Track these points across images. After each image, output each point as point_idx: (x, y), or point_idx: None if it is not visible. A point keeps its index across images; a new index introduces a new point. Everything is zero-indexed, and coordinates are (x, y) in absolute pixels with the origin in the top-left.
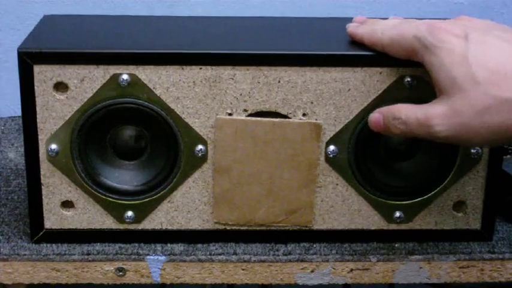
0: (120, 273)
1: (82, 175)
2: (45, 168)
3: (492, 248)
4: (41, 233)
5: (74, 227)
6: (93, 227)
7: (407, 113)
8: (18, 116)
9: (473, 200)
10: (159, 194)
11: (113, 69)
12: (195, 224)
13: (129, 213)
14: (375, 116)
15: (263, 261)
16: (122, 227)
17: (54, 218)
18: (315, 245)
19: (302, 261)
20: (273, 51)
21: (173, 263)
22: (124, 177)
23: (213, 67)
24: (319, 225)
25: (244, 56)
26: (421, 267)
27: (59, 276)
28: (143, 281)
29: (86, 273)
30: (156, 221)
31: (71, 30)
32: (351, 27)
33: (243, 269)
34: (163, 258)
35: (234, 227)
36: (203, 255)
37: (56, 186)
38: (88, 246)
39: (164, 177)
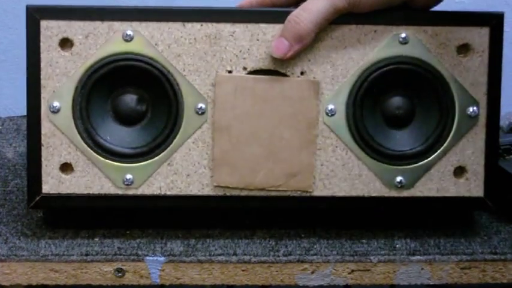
0: (119, 274)
1: (82, 135)
2: (46, 127)
3: (494, 248)
4: (38, 198)
5: (71, 192)
6: (91, 192)
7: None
8: (17, 116)
9: (474, 165)
10: (158, 156)
11: (117, 25)
12: (195, 189)
13: (128, 176)
14: (275, 42)
15: (263, 262)
16: (120, 191)
17: (52, 182)
18: (315, 246)
19: (302, 261)
20: (272, 8)
21: (172, 263)
22: (124, 139)
23: (213, 24)
24: (319, 191)
25: (243, 12)
26: (422, 268)
27: (57, 277)
28: (142, 282)
29: (84, 274)
30: (155, 185)
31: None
32: (238, 4)
33: (243, 270)
34: (162, 259)
35: (233, 192)
36: (203, 256)
37: (55, 147)
38: (87, 246)
39: (164, 138)
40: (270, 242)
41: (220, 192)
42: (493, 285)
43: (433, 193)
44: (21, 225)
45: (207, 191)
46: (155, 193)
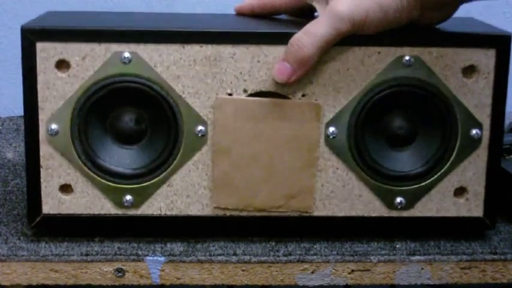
0: (119, 274)
1: (81, 157)
2: (45, 149)
3: (494, 249)
4: (39, 218)
5: (72, 212)
6: (91, 212)
7: (306, 29)
8: (17, 116)
9: (475, 186)
10: (158, 178)
11: (114, 47)
12: (195, 210)
13: (128, 197)
14: (278, 66)
15: (263, 262)
16: (120, 212)
17: (52, 203)
18: (315, 246)
19: (303, 261)
20: (273, 30)
21: (173, 263)
22: (123, 160)
23: (213, 45)
24: (319, 211)
25: (244, 34)
26: (422, 268)
27: (57, 277)
28: (142, 282)
29: (84, 274)
30: (155, 205)
31: (74, 17)
32: (238, 5)
33: (243, 270)
34: (162, 259)
35: (233, 213)
36: (203, 256)
37: (54, 169)
38: (87, 246)
39: (164, 160)
40: (270, 242)
41: (220, 213)
42: (493, 285)
43: (432, 213)
44: (21, 225)
45: (207, 211)
46: (155, 214)
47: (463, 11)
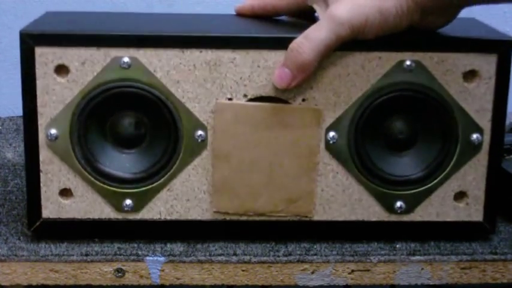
0: (119, 274)
1: (81, 162)
2: (44, 154)
3: (494, 249)
4: (39, 223)
5: (72, 216)
6: (91, 217)
7: (306, 34)
8: (17, 116)
9: (475, 190)
10: (158, 182)
11: (114, 52)
12: (195, 214)
13: (128, 201)
14: (278, 71)
15: (263, 262)
16: (120, 216)
17: (52, 207)
18: (315, 246)
19: (303, 262)
20: (273, 34)
21: (172, 263)
22: (123, 164)
23: (213, 50)
24: (319, 216)
25: (244, 39)
26: (422, 268)
27: (57, 278)
28: (142, 282)
29: (84, 274)
30: (155, 210)
31: (73, 19)
32: (238, 5)
33: (243, 270)
34: (162, 259)
35: (233, 217)
36: (203, 256)
37: (54, 174)
38: (87, 247)
39: (164, 165)
40: (270, 242)
41: (219, 218)
42: (493, 285)
43: (432, 218)
44: (21, 225)
45: (207, 216)
46: (155, 218)
47: (464, 11)
